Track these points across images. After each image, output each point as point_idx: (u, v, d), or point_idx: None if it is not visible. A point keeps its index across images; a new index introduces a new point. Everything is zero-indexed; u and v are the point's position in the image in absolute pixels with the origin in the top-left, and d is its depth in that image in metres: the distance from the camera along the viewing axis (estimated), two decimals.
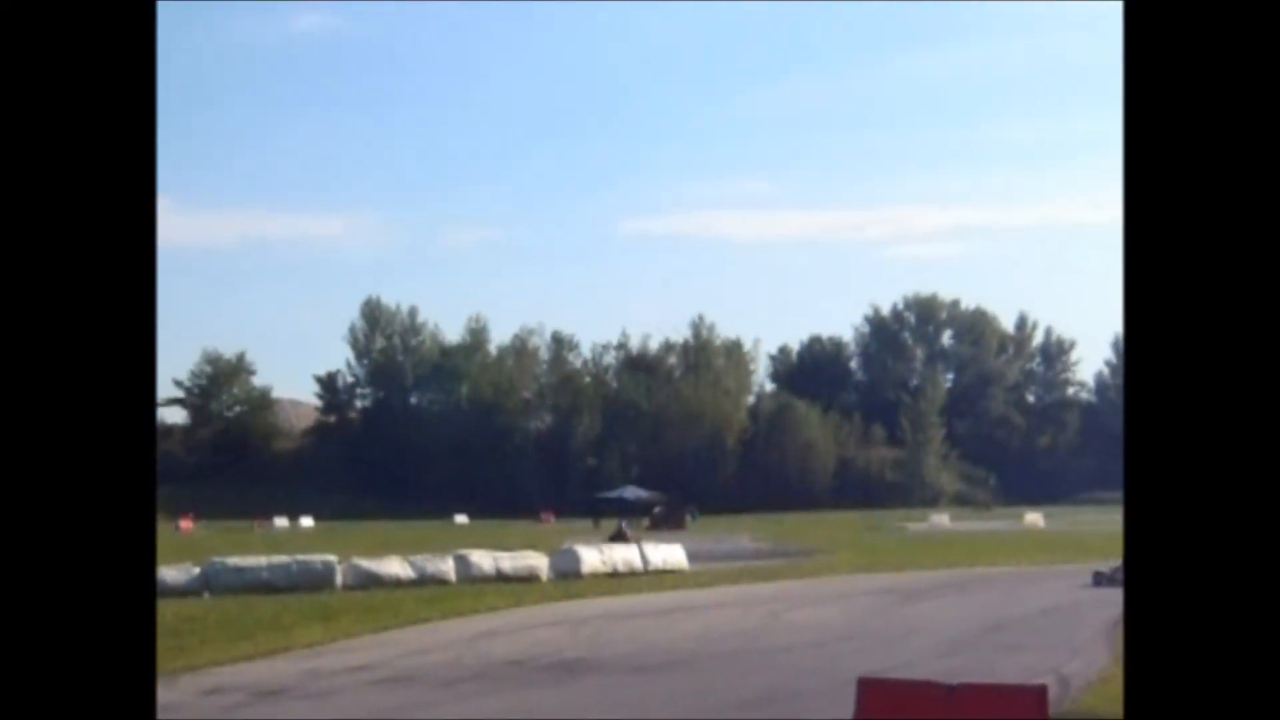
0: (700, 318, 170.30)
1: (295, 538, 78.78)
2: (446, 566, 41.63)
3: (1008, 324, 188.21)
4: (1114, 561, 39.33)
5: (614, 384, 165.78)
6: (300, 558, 40.35)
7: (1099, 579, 39.38)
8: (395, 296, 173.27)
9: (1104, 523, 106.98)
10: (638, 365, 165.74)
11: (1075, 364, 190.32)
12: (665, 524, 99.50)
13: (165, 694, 17.64)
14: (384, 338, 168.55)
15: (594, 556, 45.62)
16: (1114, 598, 34.55)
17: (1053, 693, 17.82)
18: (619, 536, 65.90)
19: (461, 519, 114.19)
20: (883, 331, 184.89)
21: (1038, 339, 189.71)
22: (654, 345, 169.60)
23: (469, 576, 41.26)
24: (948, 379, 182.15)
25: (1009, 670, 21.53)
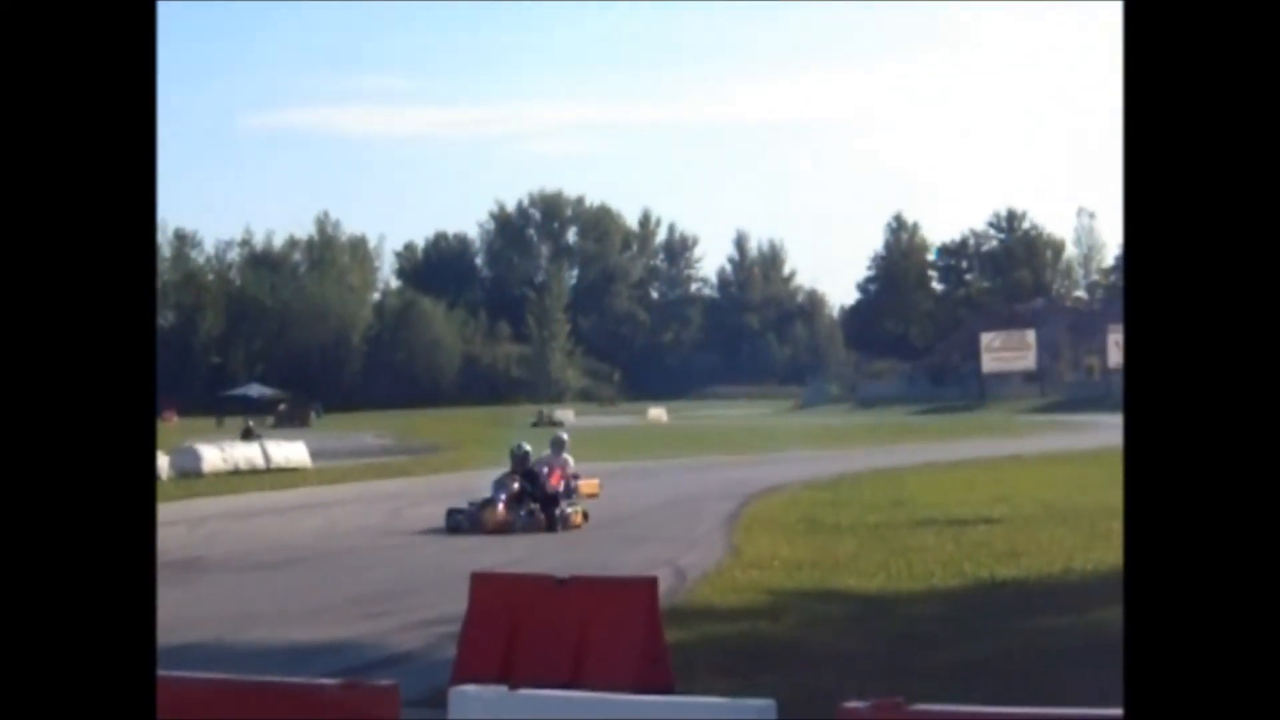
0: (325, 214, 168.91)
1: None
2: None
3: (632, 221, 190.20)
4: (481, 493, 28.52)
5: (238, 281, 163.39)
6: None
7: (455, 521, 27.62)
8: None
9: (724, 417, 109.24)
10: (262, 262, 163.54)
11: (698, 261, 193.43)
12: (290, 421, 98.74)
13: None
14: None
15: (215, 455, 45.03)
16: (734, 490, 35.17)
17: (669, 584, 18.12)
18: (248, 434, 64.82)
19: None
20: (508, 228, 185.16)
21: (661, 236, 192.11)
22: (278, 242, 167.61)
23: None
24: (573, 276, 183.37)
25: (627, 563, 21.78)
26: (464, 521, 27.38)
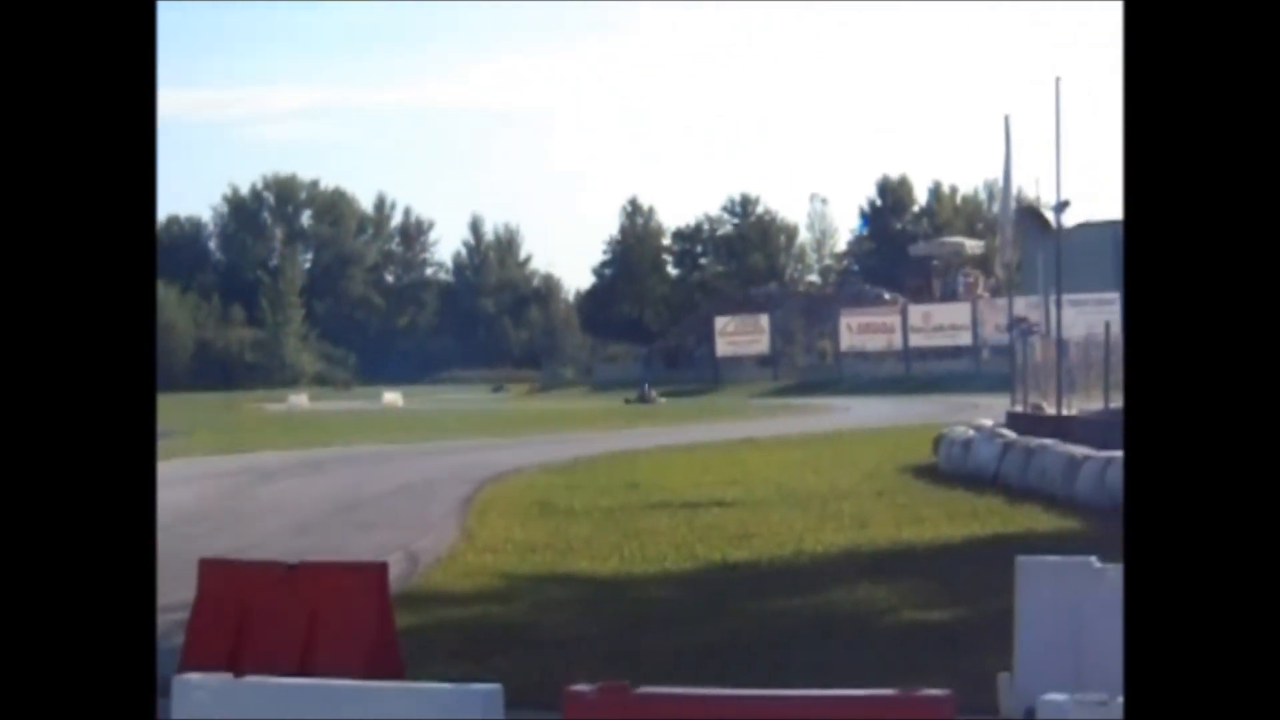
0: None
1: None
2: None
3: (366, 204, 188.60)
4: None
5: None
6: None
7: None
8: None
9: (460, 401, 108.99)
10: None
11: (433, 244, 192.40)
12: None
13: None
14: None
15: None
16: (469, 474, 35.06)
17: (401, 569, 18.04)
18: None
19: None
20: (242, 212, 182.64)
21: (396, 219, 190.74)
22: None
23: None
24: (307, 259, 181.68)
25: (360, 548, 21.58)
26: None
